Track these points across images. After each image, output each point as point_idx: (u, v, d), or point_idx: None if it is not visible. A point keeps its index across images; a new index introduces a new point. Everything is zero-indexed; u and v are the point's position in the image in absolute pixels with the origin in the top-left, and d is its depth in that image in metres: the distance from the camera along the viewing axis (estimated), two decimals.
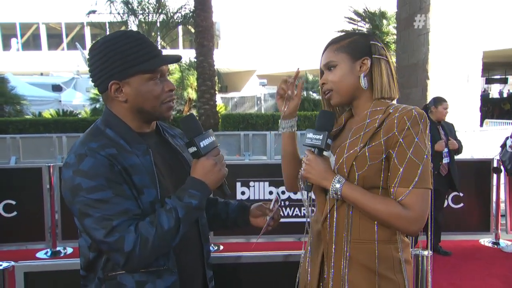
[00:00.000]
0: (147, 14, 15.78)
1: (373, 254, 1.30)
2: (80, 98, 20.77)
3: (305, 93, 16.59)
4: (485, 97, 15.78)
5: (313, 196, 1.47)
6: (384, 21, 12.11)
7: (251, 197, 4.77)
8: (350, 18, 12.90)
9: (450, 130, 4.41)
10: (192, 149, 1.24)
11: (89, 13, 15.80)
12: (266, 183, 4.81)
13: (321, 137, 1.33)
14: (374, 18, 11.95)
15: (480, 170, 4.67)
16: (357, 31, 1.64)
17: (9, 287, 1.63)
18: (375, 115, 1.34)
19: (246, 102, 24.52)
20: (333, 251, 1.35)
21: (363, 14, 12.51)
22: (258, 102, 24.03)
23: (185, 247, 1.29)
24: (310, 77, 16.85)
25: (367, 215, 1.29)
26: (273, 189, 4.80)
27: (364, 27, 12.73)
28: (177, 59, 1.29)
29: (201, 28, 11.22)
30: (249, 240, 4.86)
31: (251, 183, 4.77)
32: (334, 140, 1.45)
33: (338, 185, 1.29)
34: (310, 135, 1.35)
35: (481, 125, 9.18)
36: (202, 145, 1.23)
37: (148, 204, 1.18)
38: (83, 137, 1.22)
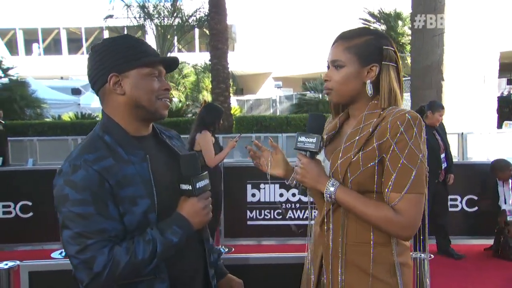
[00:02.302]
0: (162, 18, 15.98)
1: (369, 257, 1.31)
2: (98, 101, 21.08)
3: (320, 95, 16.55)
4: (506, 98, 15.41)
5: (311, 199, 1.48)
6: (400, 22, 11.97)
7: (261, 199, 4.78)
8: (365, 20, 12.79)
9: (442, 131, 4.43)
10: (186, 187, 1.24)
11: (107, 17, 16.10)
12: (277, 186, 4.80)
13: (314, 140, 1.32)
14: (389, 19, 11.82)
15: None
16: (371, 29, 1.56)
17: (15, 286, 1.67)
18: (370, 119, 1.33)
19: (261, 104, 24.55)
20: (331, 253, 1.36)
21: (378, 15, 12.39)
22: (274, 104, 24.02)
23: (184, 251, 1.29)
24: None
25: (360, 219, 1.29)
26: (283, 191, 4.80)
27: (379, 28, 12.61)
28: (175, 60, 1.33)
29: (215, 31, 11.30)
30: (260, 242, 4.86)
31: (262, 185, 4.77)
32: (329, 144, 1.45)
33: (332, 189, 1.29)
34: (302, 138, 1.33)
35: (500, 126, 8.97)
36: (198, 186, 1.23)
37: (141, 214, 1.18)
38: (81, 145, 1.23)
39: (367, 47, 1.34)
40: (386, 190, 1.26)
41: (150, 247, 1.15)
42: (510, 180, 4.41)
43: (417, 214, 1.25)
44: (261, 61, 27.67)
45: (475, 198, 4.74)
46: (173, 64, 1.34)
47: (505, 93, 16.88)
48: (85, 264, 1.11)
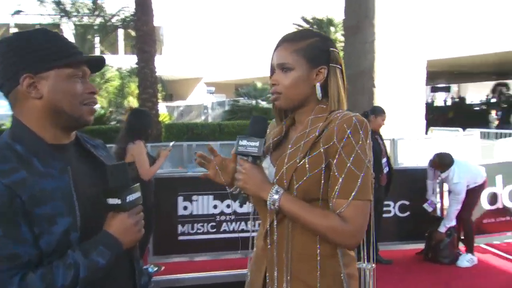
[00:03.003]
0: (81, 16, 15.24)
1: (315, 270, 1.30)
2: (4, 108, 19.53)
3: (254, 102, 16.77)
4: (430, 105, 16.80)
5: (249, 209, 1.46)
6: (332, 28, 12.52)
7: (194, 212, 4.68)
8: (299, 25, 13.20)
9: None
10: (114, 201, 1.15)
11: (15, 13, 14.99)
12: (211, 197, 4.73)
13: (257, 144, 1.30)
14: (322, 25, 12.32)
15: (425, 178, 4.87)
16: (315, 31, 1.58)
17: None
18: (316, 123, 1.34)
19: (192, 111, 24.34)
20: (275, 267, 1.34)
21: (311, 21, 12.86)
22: (205, 110, 23.94)
23: (112, 271, 1.20)
24: (259, 85, 17.05)
25: (305, 228, 1.29)
26: (218, 203, 4.74)
27: None
28: (101, 59, 1.25)
29: (142, 33, 10.98)
30: (193, 259, 4.75)
31: (194, 197, 4.67)
32: (275, 150, 1.45)
33: (276, 196, 1.27)
34: (243, 142, 1.32)
35: (426, 133, 9.70)
36: (128, 200, 1.15)
37: (61, 234, 1.07)
38: None
39: (314, 49, 1.35)
40: (332, 196, 1.27)
41: (71, 272, 1.05)
42: (439, 176, 4.69)
43: (364, 222, 1.27)
44: (192, 66, 27.46)
45: (407, 203, 5.03)
46: (99, 63, 1.25)
47: (429, 100, 18.39)
48: None
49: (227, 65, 27.51)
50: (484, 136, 10.26)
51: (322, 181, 1.29)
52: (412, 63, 7.44)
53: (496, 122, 21.73)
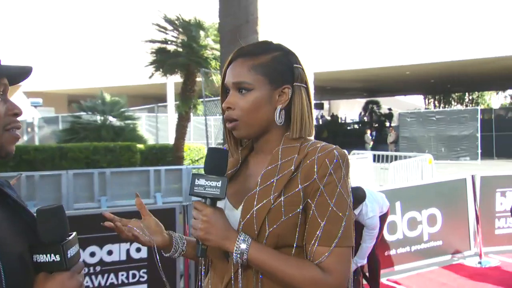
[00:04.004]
0: None
1: None
2: None
3: (99, 117, 16.00)
4: None
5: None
6: (202, 33, 12.67)
7: None
8: (161, 26, 13.08)
9: None
10: (47, 258, 1.04)
11: None
12: None
13: (219, 183, 1.28)
14: (190, 28, 12.38)
15: None
16: (275, 44, 1.43)
17: None
18: (289, 155, 1.34)
19: None
20: None
21: (176, 22, 12.84)
22: (29, 129, 22.28)
23: None
24: (108, 97, 16.36)
25: (277, 281, 1.29)
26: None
27: (178, 38, 13.08)
28: (26, 70, 1.17)
29: None
30: None
31: None
32: (228, 183, 1.41)
33: (243, 246, 1.26)
34: (201, 181, 1.28)
35: None
36: (69, 255, 1.06)
37: None
38: None
39: (277, 66, 1.37)
40: (312, 242, 1.29)
41: None
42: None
43: (347, 272, 1.30)
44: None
45: None
46: (22, 75, 1.19)
47: None
48: None
49: (60, 70, 26.10)
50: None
51: (298, 225, 1.30)
52: None
53: (371, 143, 24.51)
